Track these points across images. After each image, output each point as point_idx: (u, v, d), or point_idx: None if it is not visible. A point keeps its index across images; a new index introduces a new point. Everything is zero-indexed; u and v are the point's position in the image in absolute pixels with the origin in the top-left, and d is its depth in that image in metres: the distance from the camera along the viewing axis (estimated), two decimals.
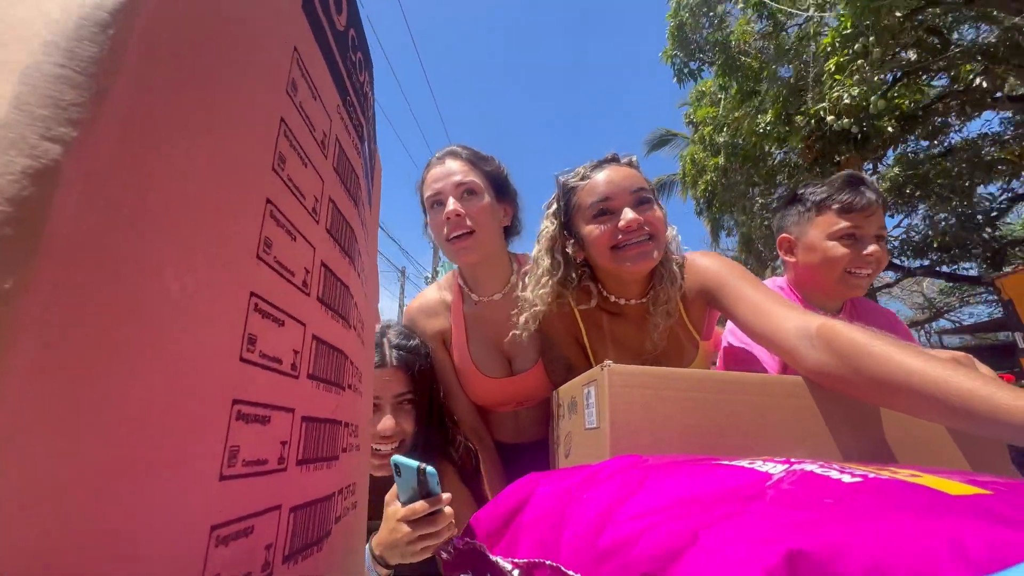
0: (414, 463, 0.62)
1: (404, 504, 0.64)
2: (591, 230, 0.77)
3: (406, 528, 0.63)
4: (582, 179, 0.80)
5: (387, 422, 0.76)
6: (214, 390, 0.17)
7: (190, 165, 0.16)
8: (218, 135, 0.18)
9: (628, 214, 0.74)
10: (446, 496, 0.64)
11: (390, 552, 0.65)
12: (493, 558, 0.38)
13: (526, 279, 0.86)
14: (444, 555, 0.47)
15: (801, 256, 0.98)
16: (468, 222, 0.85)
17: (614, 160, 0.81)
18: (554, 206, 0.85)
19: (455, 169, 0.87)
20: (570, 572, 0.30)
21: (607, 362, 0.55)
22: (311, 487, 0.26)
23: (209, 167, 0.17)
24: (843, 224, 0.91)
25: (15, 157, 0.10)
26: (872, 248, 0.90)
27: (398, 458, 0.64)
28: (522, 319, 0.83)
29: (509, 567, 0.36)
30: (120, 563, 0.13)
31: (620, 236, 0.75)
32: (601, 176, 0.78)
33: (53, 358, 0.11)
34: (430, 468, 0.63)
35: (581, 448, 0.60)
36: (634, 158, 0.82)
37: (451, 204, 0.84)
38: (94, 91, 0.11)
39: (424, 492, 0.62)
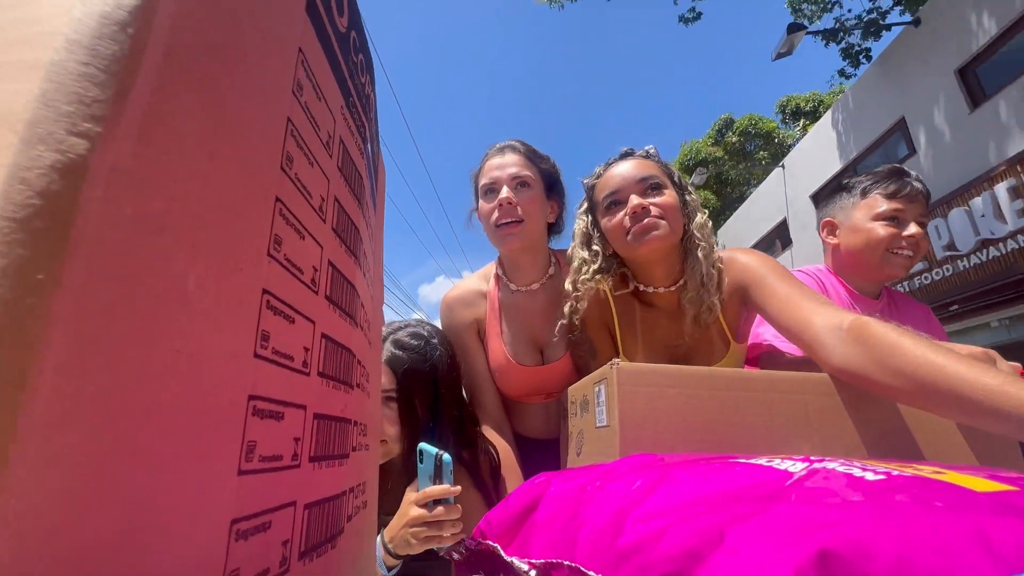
0: (433, 449, 0.66)
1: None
2: (606, 222, 0.83)
3: (416, 511, 0.65)
4: (597, 178, 0.85)
5: None
6: (232, 386, 0.18)
7: (205, 163, 0.16)
8: (230, 134, 0.18)
9: (633, 200, 0.78)
10: (455, 488, 0.66)
11: (398, 538, 0.66)
12: (508, 558, 0.38)
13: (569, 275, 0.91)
14: (456, 556, 0.47)
15: (844, 238, 1.02)
16: (519, 211, 0.90)
17: (626, 155, 0.85)
18: (584, 205, 0.91)
19: (512, 161, 0.93)
20: (590, 573, 0.30)
21: (616, 360, 0.55)
22: (324, 484, 0.27)
23: (222, 165, 0.17)
24: (887, 206, 0.95)
25: (44, 152, 0.10)
26: (914, 230, 0.94)
27: (424, 444, 0.67)
28: (567, 307, 0.88)
29: (526, 567, 0.36)
30: (147, 556, 0.14)
31: (628, 222, 0.79)
32: (611, 171, 0.83)
33: (80, 353, 0.11)
34: (446, 456, 0.66)
35: (592, 446, 0.60)
36: (651, 149, 0.85)
37: (504, 192, 0.90)
38: (116, 89, 0.11)
39: (438, 479, 0.66)
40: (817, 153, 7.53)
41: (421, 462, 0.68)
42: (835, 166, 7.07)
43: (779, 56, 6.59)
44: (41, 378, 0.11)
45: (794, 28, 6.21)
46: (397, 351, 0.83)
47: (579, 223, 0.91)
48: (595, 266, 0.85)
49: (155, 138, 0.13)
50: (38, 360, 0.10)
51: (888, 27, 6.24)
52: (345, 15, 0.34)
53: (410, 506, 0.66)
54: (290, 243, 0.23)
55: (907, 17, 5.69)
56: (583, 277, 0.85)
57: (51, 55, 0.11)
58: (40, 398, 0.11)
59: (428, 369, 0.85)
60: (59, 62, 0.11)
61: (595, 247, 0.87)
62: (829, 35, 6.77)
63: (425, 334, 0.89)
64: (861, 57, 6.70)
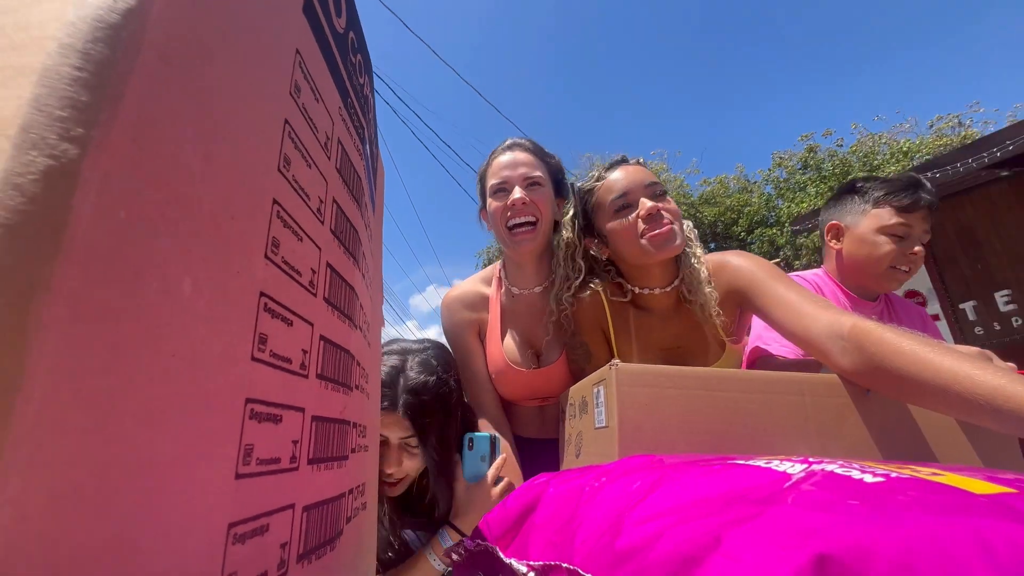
0: (486, 433, 0.80)
1: (470, 477, 0.76)
2: (614, 226, 0.82)
3: (497, 491, 0.76)
4: (598, 180, 0.85)
5: (391, 465, 0.75)
6: (228, 389, 0.17)
7: (200, 166, 0.16)
8: (226, 137, 0.18)
9: (647, 203, 0.79)
10: (501, 457, 0.80)
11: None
12: (507, 560, 0.38)
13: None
14: (455, 556, 0.47)
15: (848, 245, 1.01)
16: (532, 211, 0.89)
17: (624, 160, 0.86)
18: (570, 212, 0.89)
19: (522, 160, 0.91)
20: (587, 575, 0.30)
21: (615, 361, 0.55)
22: (322, 486, 0.26)
23: (218, 168, 0.17)
24: (896, 221, 0.94)
25: (36, 157, 0.10)
26: (918, 248, 0.93)
27: (472, 433, 0.79)
28: (551, 322, 0.90)
29: (524, 569, 0.36)
30: (142, 560, 0.14)
31: (643, 225, 0.79)
32: (616, 175, 0.83)
33: (74, 358, 0.11)
34: (498, 435, 0.81)
35: (591, 447, 0.60)
36: (641, 158, 0.87)
37: (517, 192, 0.88)
38: (109, 93, 0.11)
39: (493, 458, 0.78)
40: None
41: (470, 448, 0.77)
42: None
43: None
44: (34, 383, 0.11)
45: None
46: (411, 398, 0.74)
47: (564, 232, 0.88)
48: (577, 282, 0.86)
49: (149, 142, 0.13)
50: (30, 365, 0.10)
51: None
52: (343, 15, 0.34)
53: (490, 492, 0.75)
54: (288, 245, 0.23)
55: None
56: (565, 295, 0.86)
57: (44, 60, 0.11)
58: (33, 403, 0.11)
59: (442, 405, 0.78)
60: (52, 67, 0.11)
61: (578, 260, 0.86)
62: None
63: (435, 363, 0.80)
64: None
